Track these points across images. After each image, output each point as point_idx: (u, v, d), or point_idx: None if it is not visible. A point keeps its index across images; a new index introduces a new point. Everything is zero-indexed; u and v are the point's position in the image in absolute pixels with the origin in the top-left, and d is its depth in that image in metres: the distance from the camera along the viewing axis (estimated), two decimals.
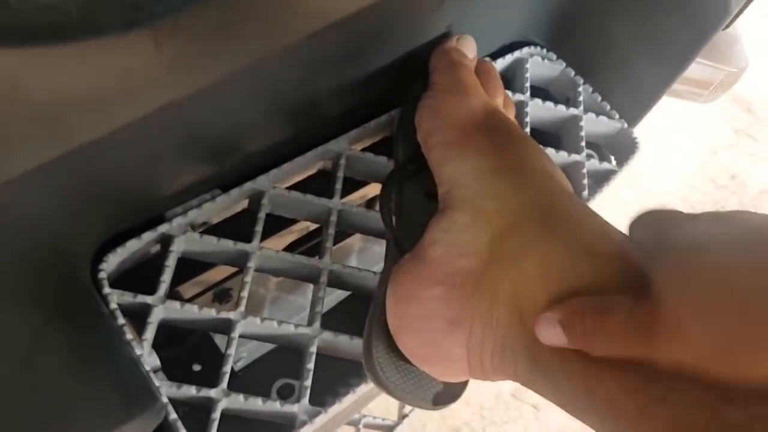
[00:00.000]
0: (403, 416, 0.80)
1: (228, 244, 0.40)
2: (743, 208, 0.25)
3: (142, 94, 0.23)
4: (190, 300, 0.54)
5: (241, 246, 0.41)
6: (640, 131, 0.53)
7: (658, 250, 0.26)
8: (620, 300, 0.26)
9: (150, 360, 0.36)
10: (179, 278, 0.49)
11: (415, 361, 0.35)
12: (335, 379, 0.42)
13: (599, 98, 0.52)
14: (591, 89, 0.53)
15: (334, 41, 0.36)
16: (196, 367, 0.50)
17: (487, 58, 0.50)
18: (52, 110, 0.20)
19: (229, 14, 0.23)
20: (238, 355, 0.64)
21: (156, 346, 0.48)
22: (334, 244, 0.46)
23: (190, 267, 0.44)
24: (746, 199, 1.63)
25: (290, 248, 0.59)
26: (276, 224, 0.48)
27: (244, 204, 0.45)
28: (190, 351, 0.51)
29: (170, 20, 0.21)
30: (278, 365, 0.43)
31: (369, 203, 0.59)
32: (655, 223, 0.28)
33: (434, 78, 0.41)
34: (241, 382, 0.46)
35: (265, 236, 0.50)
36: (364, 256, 0.76)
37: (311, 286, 0.42)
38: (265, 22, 0.25)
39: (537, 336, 0.29)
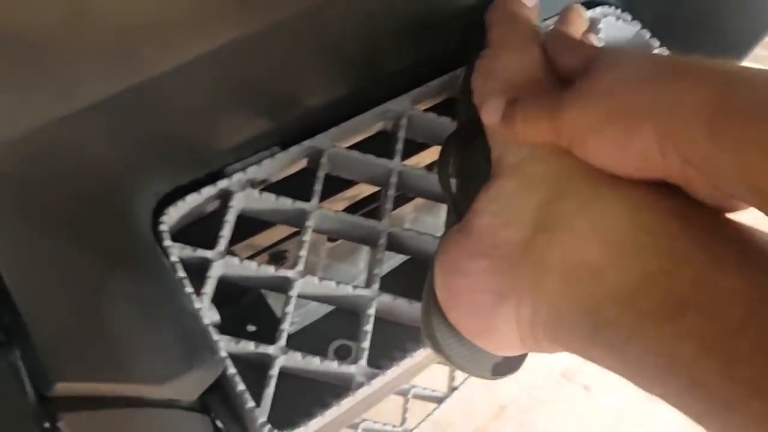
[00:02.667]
0: (452, 389, 0.79)
1: (286, 203, 0.40)
2: None
3: (210, 26, 0.22)
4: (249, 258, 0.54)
5: (300, 204, 0.40)
6: None
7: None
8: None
9: (209, 314, 0.36)
10: (235, 237, 0.49)
11: (467, 335, 0.34)
12: (391, 344, 0.41)
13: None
14: (668, 52, 0.50)
15: None
16: (251, 328, 0.50)
17: (578, 6, 0.46)
18: (120, 38, 0.20)
19: None
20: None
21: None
22: (399, 204, 0.45)
23: (246, 227, 0.44)
24: None
25: (354, 208, 0.58)
26: (332, 188, 0.48)
27: (303, 163, 0.44)
28: (245, 311, 0.51)
29: None
30: (334, 327, 0.43)
31: (430, 167, 0.58)
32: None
33: (490, 33, 0.39)
34: (295, 344, 0.46)
35: (330, 195, 0.49)
36: (416, 226, 0.75)
37: (363, 254, 0.41)
38: None
39: (481, 112, 0.34)
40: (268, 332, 0.38)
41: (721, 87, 0.25)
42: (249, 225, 0.43)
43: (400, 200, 0.56)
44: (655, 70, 0.28)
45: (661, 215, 0.28)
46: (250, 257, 0.55)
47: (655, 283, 0.26)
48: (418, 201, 0.58)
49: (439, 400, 0.78)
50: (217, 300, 0.49)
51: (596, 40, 0.47)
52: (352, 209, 0.57)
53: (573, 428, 1.14)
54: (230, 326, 0.49)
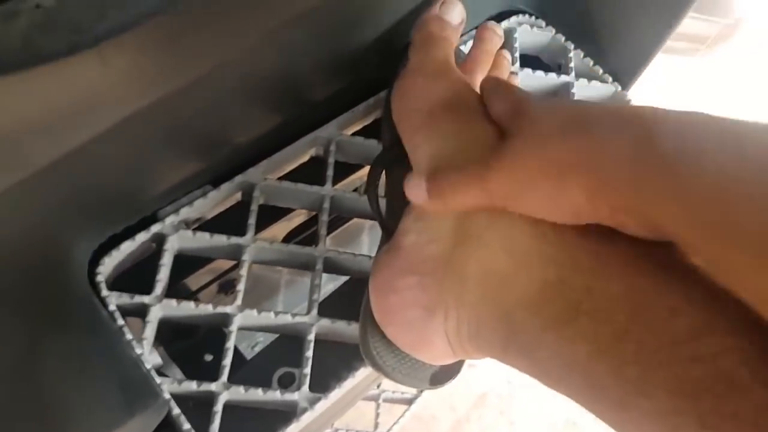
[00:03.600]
0: (422, 390, 0.81)
1: (222, 239, 0.41)
2: None
3: (96, 112, 0.23)
4: (197, 291, 0.56)
5: (235, 240, 0.41)
6: (638, 93, 0.52)
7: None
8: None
9: (151, 358, 0.37)
10: (186, 271, 0.50)
11: (404, 349, 0.36)
12: (339, 362, 0.42)
13: (591, 63, 0.52)
14: (582, 54, 0.52)
15: (305, 28, 0.36)
16: (208, 357, 0.52)
17: (491, 22, 0.47)
18: (4, 138, 0.21)
19: (176, 26, 0.23)
20: (254, 340, 0.66)
21: (166, 341, 0.50)
22: (344, 224, 0.46)
23: (196, 259, 0.45)
24: None
25: (297, 232, 0.60)
26: (280, 211, 0.49)
27: (239, 196, 0.45)
28: (201, 342, 0.52)
29: (115, 40, 0.21)
30: (279, 354, 0.44)
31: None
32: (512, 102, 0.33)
33: (410, 54, 0.40)
34: (250, 371, 0.47)
35: (268, 224, 0.50)
36: (376, 232, 0.76)
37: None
38: (217, 29, 0.25)
39: (407, 194, 0.34)
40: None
41: (635, 138, 0.26)
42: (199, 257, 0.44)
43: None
44: (576, 123, 0.29)
45: (560, 226, 0.30)
46: (206, 285, 0.57)
47: (554, 290, 0.28)
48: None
49: (410, 402, 0.80)
50: (171, 334, 0.51)
51: (517, 81, 0.49)
52: (309, 223, 0.59)
53: (551, 410, 1.17)
54: (187, 359, 0.51)
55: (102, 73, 0.22)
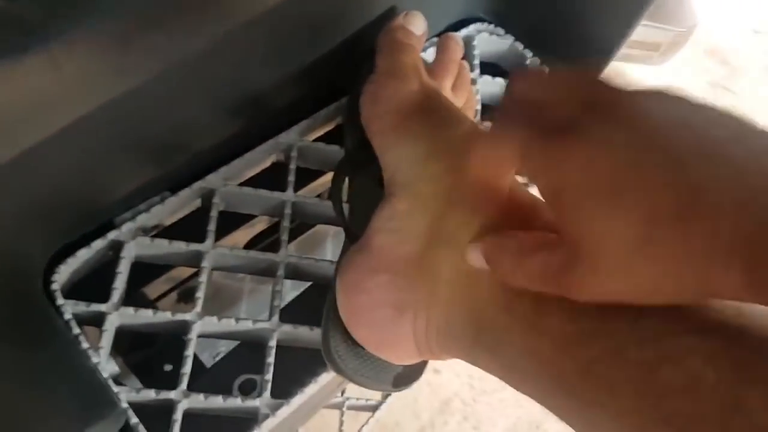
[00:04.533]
0: (386, 396, 0.81)
1: (180, 246, 0.41)
2: None
3: (48, 114, 0.23)
4: (157, 300, 0.55)
5: (194, 246, 0.41)
6: None
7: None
8: (539, 240, 0.27)
9: (108, 367, 0.36)
10: (144, 279, 0.50)
11: (369, 348, 0.36)
12: (302, 368, 0.42)
13: (548, 70, 0.52)
14: (539, 61, 0.53)
15: (262, 33, 0.36)
16: (168, 367, 0.51)
17: (453, 33, 0.49)
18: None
19: (129, 27, 0.23)
20: (216, 349, 0.65)
21: (124, 350, 0.49)
22: (308, 230, 0.46)
23: (155, 267, 0.44)
24: None
25: (259, 239, 0.59)
26: (242, 218, 0.49)
27: (199, 203, 0.45)
28: (161, 353, 0.51)
29: (66, 41, 0.21)
30: (244, 361, 0.44)
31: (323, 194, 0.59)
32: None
33: (377, 60, 0.41)
34: (210, 379, 0.47)
35: (229, 231, 0.50)
36: (340, 239, 0.76)
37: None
38: (169, 30, 0.25)
39: (468, 260, 0.30)
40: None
41: None
42: (158, 265, 0.44)
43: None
44: None
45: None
46: (165, 293, 0.56)
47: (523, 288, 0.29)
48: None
49: (374, 409, 0.80)
50: (130, 344, 0.50)
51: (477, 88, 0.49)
52: (272, 229, 0.59)
53: (515, 414, 1.18)
54: (146, 369, 0.50)
55: (53, 76, 0.22)
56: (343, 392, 0.78)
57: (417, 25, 0.42)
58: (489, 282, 0.30)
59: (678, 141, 0.22)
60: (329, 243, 0.75)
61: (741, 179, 0.21)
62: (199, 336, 0.39)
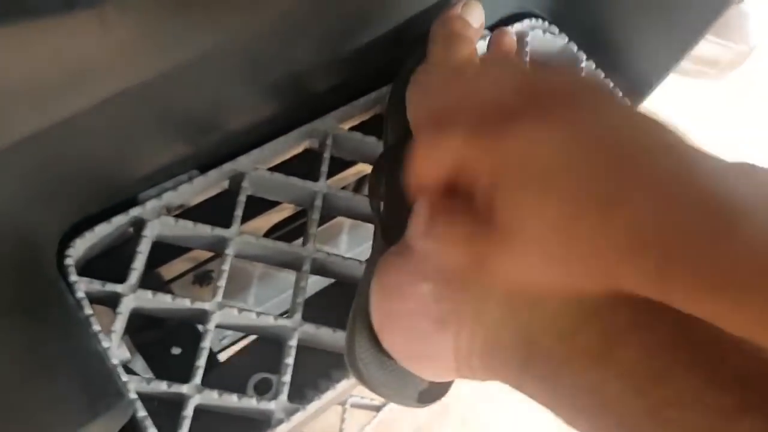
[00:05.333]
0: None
1: (205, 230, 0.38)
2: None
3: (91, 82, 0.20)
4: (171, 281, 0.52)
5: (219, 232, 0.39)
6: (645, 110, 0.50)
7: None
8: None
9: (119, 353, 0.34)
10: (161, 258, 0.47)
11: (400, 359, 0.33)
12: (318, 370, 0.40)
13: (602, 75, 0.50)
14: (594, 65, 0.50)
15: (311, 15, 0.33)
16: (176, 351, 0.49)
17: (508, 28, 0.46)
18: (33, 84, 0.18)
19: None
20: (222, 333, 0.63)
21: (133, 329, 0.47)
22: (324, 222, 0.44)
23: (173, 248, 0.42)
24: None
25: (280, 226, 0.57)
26: (265, 203, 0.46)
27: (226, 185, 0.42)
28: (170, 333, 0.49)
29: (118, 2, 0.18)
30: (260, 356, 0.41)
31: (361, 181, 0.57)
32: None
33: (431, 49, 0.39)
34: (221, 373, 0.45)
35: (251, 216, 0.48)
36: (355, 234, 0.74)
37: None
38: (225, 6, 0.22)
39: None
40: (193, 355, 0.36)
41: None
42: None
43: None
44: None
45: None
46: (180, 275, 0.54)
47: (589, 319, 0.26)
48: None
49: (378, 408, 0.78)
50: (140, 323, 0.48)
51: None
52: (293, 218, 0.56)
53: (515, 419, 1.16)
54: (154, 350, 0.48)
55: (100, 40, 0.19)
56: None
57: (475, 16, 0.40)
58: (549, 308, 0.27)
59: (606, 142, 0.24)
60: (345, 235, 0.73)
61: (661, 188, 0.22)
62: (217, 327, 0.37)
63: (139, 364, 0.47)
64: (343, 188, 0.44)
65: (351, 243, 0.73)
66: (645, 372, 0.24)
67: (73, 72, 0.19)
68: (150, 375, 0.43)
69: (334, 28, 0.39)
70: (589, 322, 0.26)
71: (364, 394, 0.78)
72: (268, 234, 0.55)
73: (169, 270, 0.49)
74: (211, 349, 0.44)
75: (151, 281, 0.40)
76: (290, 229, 0.55)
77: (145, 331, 0.49)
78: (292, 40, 0.36)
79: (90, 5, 0.18)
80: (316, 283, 0.46)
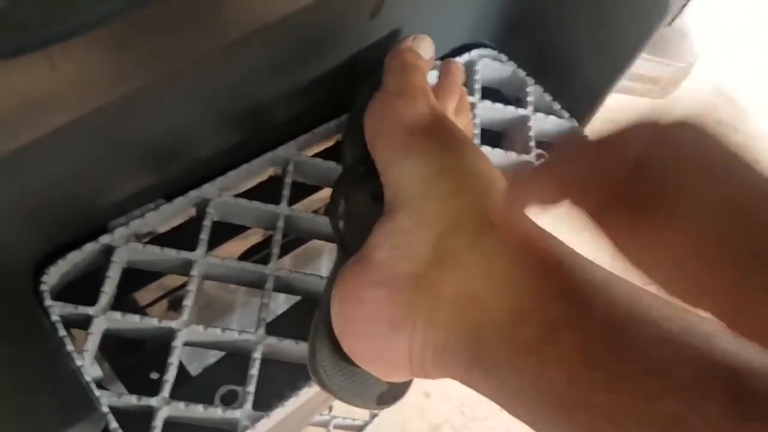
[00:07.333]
0: (373, 416, 0.80)
1: (172, 254, 0.41)
2: None
3: (41, 114, 0.23)
4: (147, 306, 0.55)
5: (185, 255, 0.41)
6: (594, 129, 0.53)
7: None
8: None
9: (92, 370, 0.36)
10: (135, 284, 0.50)
11: (360, 362, 0.36)
12: (283, 381, 0.42)
13: (549, 97, 0.53)
14: (542, 89, 0.53)
15: (264, 47, 0.36)
16: (154, 375, 0.51)
17: (456, 59, 0.50)
18: None
19: (127, 33, 0.23)
20: (206, 360, 0.65)
21: (110, 355, 0.49)
22: (303, 244, 0.46)
23: (147, 274, 0.44)
24: None
25: (254, 251, 0.59)
26: (237, 229, 0.49)
27: (194, 212, 0.45)
28: (148, 359, 0.51)
29: (64, 43, 0.21)
30: (229, 371, 0.44)
31: (317, 210, 0.59)
32: None
33: (385, 78, 0.41)
34: (194, 388, 0.47)
35: (221, 241, 0.50)
36: (335, 255, 0.76)
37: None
38: (169, 38, 0.25)
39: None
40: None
41: None
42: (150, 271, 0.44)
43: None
44: None
45: (540, 252, 0.31)
46: (155, 301, 0.56)
47: (529, 315, 0.29)
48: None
49: (360, 429, 0.79)
50: (117, 350, 0.50)
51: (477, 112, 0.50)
52: (261, 246, 0.59)
53: None
54: (132, 376, 0.50)
55: (49, 77, 0.22)
56: (330, 410, 0.78)
57: (425, 48, 0.43)
58: (493, 307, 0.30)
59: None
60: (325, 258, 0.75)
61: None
62: (185, 344, 0.39)
63: (119, 389, 0.49)
64: (314, 212, 0.47)
65: (332, 265, 0.75)
66: (578, 359, 0.26)
67: (25, 103, 0.22)
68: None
69: (289, 60, 0.41)
70: (528, 317, 0.28)
71: (346, 415, 0.80)
72: (242, 259, 0.58)
73: (144, 297, 0.52)
74: (184, 367, 0.46)
75: (127, 306, 0.42)
76: (263, 255, 0.58)
77: (124, 357, 0.51)
78: (245, 71, 0.39)
79: (38, 49, 0.21)
80: (286, 302, 0.48)
